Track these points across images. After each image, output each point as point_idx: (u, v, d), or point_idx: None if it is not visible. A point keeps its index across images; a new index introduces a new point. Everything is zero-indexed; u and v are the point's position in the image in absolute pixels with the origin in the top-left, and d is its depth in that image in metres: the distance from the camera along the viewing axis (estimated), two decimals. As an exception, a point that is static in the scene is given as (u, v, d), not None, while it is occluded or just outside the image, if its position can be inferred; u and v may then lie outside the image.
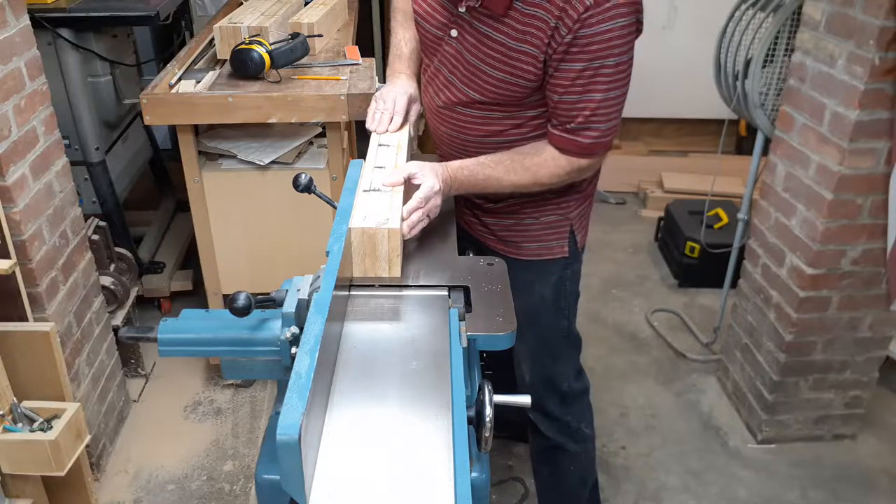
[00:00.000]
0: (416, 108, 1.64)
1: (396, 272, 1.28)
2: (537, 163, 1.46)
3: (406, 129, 1.60)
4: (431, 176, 1.38)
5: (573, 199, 1.64)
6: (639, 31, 1.37)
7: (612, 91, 1.37)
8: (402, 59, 1.69)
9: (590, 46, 1.32)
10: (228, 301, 1.10)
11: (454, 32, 1.46)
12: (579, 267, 1.74)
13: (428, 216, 1.37)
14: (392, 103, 1.59)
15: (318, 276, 1.19)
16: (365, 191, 1.36)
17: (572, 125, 1.41)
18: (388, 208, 1.30)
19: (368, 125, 1.59)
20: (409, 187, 1.40)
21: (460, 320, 1.20)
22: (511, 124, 1.52)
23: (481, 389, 1.03)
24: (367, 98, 2.13)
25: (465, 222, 1.74)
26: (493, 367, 1.49)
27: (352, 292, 1.26)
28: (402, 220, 1.29)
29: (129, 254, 2.64)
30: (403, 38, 1.69)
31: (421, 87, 1.68)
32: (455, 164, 1.46)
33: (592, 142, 1.42)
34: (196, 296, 2.91)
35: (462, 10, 1.42)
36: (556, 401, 1.79)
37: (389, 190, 1.36)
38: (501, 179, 1.46)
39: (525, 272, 1.66)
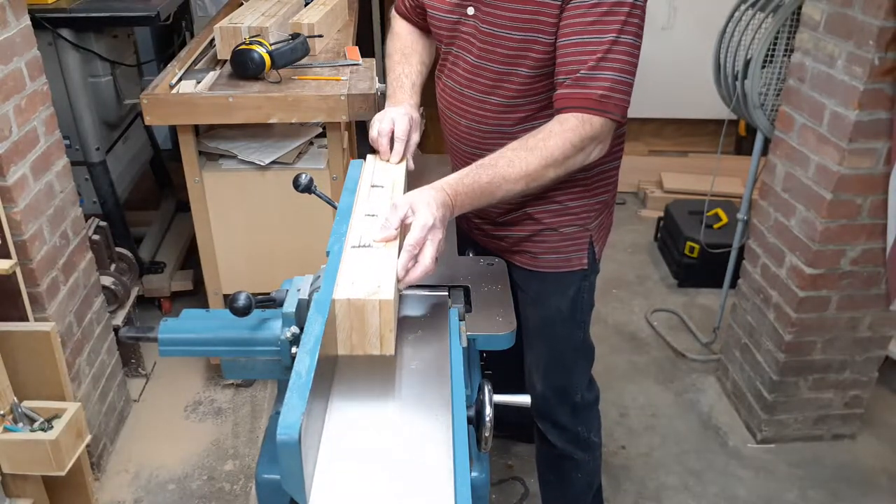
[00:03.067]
0: (415, 138, 1.50)
1: (389, 349, 1.07)
2: (542, 137, 1.29)
3: (404, 164, 1.46)
4: (423, 209, 1.15)
5: (593, 209, 1.57)
6: None
7: (626, 35, 1.27)
8: (403, 90, 1.57)
9: None
10: (229, 301, 1.10)
11: (471, 10, 1.39)
12: (595, 277, 1.68)
13: (436, 256, 1.15)
14: (390, 123, 1.45)
15: (319, 276, 1.19)
16: (353, 247, 1.17)
17: (582, 71, 1.28)
18: (379, 271, 1.10)
19: (372, 138, 1.47)
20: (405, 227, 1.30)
21: (460, 320, 1.21)
22: (536, 107, 1.43)
23: (481, 389, 1.03)
24: (367, 98, 2.13)
25: (476, 235, 1.68)
26: (493, 367, 1.49)
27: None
28: (398, 280, 1.11)
29: (129, 254, 2.65)
30: (404, 73, 1.59)
31: (437, 84, 1.61)
32: (452, 179, 1.26)
33: (604, 92, 1.28)
34: (196, 296, 2.91)
35: None
36: (567, 411, 1.76)
37: (382, 245, 1.17)
38: (508, 174, 1.27)
39: (541, 283, 1.61)
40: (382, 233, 1.17)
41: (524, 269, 1.61)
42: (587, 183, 1.53)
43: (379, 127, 1.45)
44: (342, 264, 1.12)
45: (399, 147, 1.45)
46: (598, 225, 1.62)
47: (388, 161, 1.45)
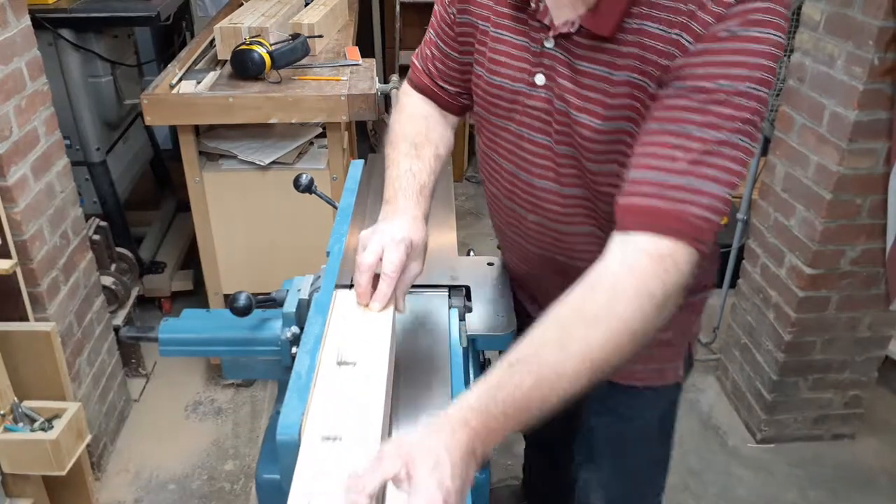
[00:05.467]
0: (413, 272, 1.06)
1: None
2: (606, 298, 0.86)
3: (390, 314, 1.00)
4: (426, 477, 0.72)
5: (696, 307, 1.28)
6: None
7: (741, 136, 0.88)
8: (407, 195, 1.11)
9: (725, 56, 0.88)
10: (229, 301, 1.10)
11: (540, 78, 1.04)
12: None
13: None
14: (376, 252, 1.00)
15: (319, 277, 1.19)
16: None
17: (672, 177, 0.88)
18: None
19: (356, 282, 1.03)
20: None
21: (460, 320, 1.21)
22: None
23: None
24: (367, 98, 2.13)
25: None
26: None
27: (353, 292, 1.26)
28: None
29: (129, 254, 2.65)
30: (411, 169, 1.15)
31: (482, 160, 1.23)
32: (476, 400, 0.80)
33: (701, 212, 0.88)
34: (197, 296, 2.91)
35: (549, 44, 1.01)
36: None
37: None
38: (561, 368, 0.82)
39: (626, 399, 1.30)
40: (356, 490, 0.71)
41: (605, 382, 1.10)
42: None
43: (360, 256, 1.01)
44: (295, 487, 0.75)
45: (385, 288, 1.00)
46: (698, 322, 1.33)
47: (366, 307, 1.01)
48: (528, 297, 1.37)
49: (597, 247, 1.08)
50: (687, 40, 0.89)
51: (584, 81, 0.99)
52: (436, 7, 1.22)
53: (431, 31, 1.24)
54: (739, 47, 0.87)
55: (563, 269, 1.18)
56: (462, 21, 1.15)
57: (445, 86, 1.24)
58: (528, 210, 1.16)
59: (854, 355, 2.29)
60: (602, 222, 1.11)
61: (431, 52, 1.24)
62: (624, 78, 0.95)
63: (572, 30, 0.97)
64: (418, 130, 1.21)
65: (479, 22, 1.11)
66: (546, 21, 1.01)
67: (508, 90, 1.09)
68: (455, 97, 1.25)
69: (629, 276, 0.86)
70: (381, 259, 1.00)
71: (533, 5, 1.02)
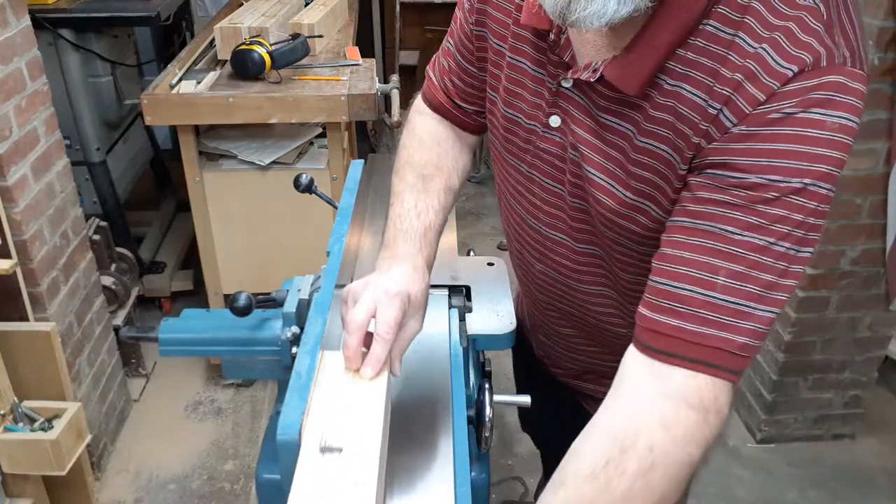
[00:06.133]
0: (411, 330, 0.90)
1: None
2: (636, 469, 0.70)
3: (384, 382, 0.83)
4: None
5: None
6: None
7: (795, 237, 0.72)
8: (409, 238, 0.96)
9: (776, 145, 0.70)
10: (229, 301, 1.10)
11: (555, 120, 0.90)
12: None
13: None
14: (369, 309, 0.84)
15: (319, 277, 1.19)
16: None
17: (713, 296, 0.72)
18: None
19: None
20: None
21: (460, 320, 1.21)
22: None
23: (481, 389, 1.03)
24: (367, 98, 2.13)
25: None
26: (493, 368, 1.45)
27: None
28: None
29: (129, 254, 2.65)
30: (416, 207, 1.00)
31: (501, 195, 1.10)
32: None
33: (746, 340, 0.73)
34: (197, 296, 2.91)
35: (567, 84, 0.87)
36: None
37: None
38: None
39: None
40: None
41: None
42: None
43: (350, 314, 0.84)
44: None
45: (379, 352, 0.83)
46: None
47: (355, 373, 0.83)
48: (535, 330, 1.30)
49: (613, 308, 1.00)
50: (728, 118, 0.72)
51: (606, 136, 0.84)
52: (457, 12, 1.06)
53: (450, 39, 1.08)
54: (795, 133, 0.69)
55: (572, 317, 1.09)
56: (479, 34, 1.00)
57: (463, 104, 1.09)
58: (535, 259, 1.05)
59: (854, 355, 2.29)
60: (619, 285, 0.98)
61: (449, 64, 1.09)
62: (649, 146, 0.80)
63: (593, 79, 0.82)
64: (428, 159, 1.06)
65: (494, 41, 0.97)
66: (566, 58, 0.86)
67: (524, 127, 0.95)
68: (473, 116, 1.10)
69: (668, 440, 0.70)
70: (373, 317, 0.84)
71: (553, 37, 0.86)
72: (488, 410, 1.01)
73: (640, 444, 0.70)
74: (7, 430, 1.64)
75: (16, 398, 1.66)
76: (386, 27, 4.19)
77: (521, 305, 1.31)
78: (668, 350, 0.73)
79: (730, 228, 0.72)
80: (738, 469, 2.33)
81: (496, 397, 1.03)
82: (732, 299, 0.72)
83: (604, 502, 0.70)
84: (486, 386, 1.03)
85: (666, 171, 0.80)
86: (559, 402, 1.29)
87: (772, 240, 0.71)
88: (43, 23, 2.27)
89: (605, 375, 1.06)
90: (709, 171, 0.74)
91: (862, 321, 2.22)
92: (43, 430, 1.66)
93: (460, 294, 1.28)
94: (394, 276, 0.89)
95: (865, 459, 2.37)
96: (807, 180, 0.70)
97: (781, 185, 0.70)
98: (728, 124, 0.72)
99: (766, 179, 0.70)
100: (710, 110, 0.73)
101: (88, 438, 1.79)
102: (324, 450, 0.74)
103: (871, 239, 2.07)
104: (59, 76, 2.39)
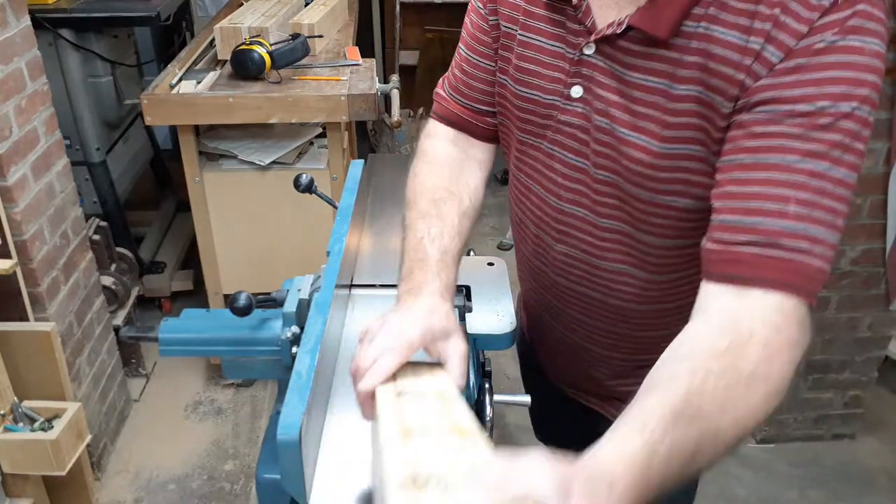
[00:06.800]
0: (458, 347, 0.83)
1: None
2: (764, 354, 0.73)
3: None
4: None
5: None
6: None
7: (842, 168, 0.75)
8: (426, 267, 0.91)
9: (823, 73, 0.74)
10: (229, 301, 1.10)
11: (577, 91, 0.91)
12: None
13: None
14: (372, 362, 0.77)
15: (319, 276, 1.19)
16: None
17: (787, 224, 0.74)
18: None
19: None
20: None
21: (460, 320, 1.21)
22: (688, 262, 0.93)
23: (481, 389, 1.03)
24: (367, 98, 2.13)
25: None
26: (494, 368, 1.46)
27: (353, 291, 1.27)
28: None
29: (130, 254, 2.65)
30: (428, 234, 0.95)
31: (512, 179, 1.10)
32: (620, 456, 0.62)
33: (821, 265, 0.77)
34: (197, 296, 2.91)
35: (589, 51, 0.88)
36: None
37: None
38: (721, 426, 0.71)
39: None
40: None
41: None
42: None
43: (357, 361, 0.79)
44: None
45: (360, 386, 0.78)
46: None
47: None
48: (541, 342, 1.29)
49: (634, 288, 0.99)
50: (773, 53, 0.75)
51: (635, 95, 0.85)
52: (467, 19, 1.06)
53: (462, 46, 1.08)
54: (838, 60, 0.74)
55: (591, 302, 1.07)
56: (494, 23, 1.01)
57: (480, 106, 1.07)
58: (555, 240, 1.03)
59: (854, 355, 2.29)
60: (642, 261, 0.97)
61: (462, 71, 1.08)
62: (687, 92, 0.81)
63: (618, 30, 0.82)
64: (440, 183, 1.03)
65: (504, 24, 0.98)
66: (588, 23, 0.87)
67: (542, 103, 0.95)
68: (486, 119, 1.08)
69: (777, 336, 0.73)
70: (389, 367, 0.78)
71: (575, 1, 0.87)
72: (488, 410, 1.01)
73: (757, 339, 0.72)
74: (7, 430, 1.65)
75: (16, 398, 1.66)
76: (386, 27, 4.19)
77: (523, 318, 1.30)
78: (755, 276, 0.75)
79: (791, 158, 0.75)
80: (738, 469, 2.33)
81: (496, 397, 1.03)
82: (808, 227, 0.75)
83: (730, 378, 0.71)
84: (486, 386, 1.03)
85: (710, 113, 0.81)
86: (569, 412, 1.28)
87: (829, 165, 0.75)
88: (43, 23, 2.27)
89: (608, 391, 1.16)
90: (760, 107, 0.76)
91: (862, 321, 2.22)
92: (43, 430, 1.66)
93: (460, 294, 1.28)
94: (410, 318, 0.82)
95: (865, 459, 2.38)
96: (854, 104, 0.75)
97: (832, 110, 0.74)
98: (774, 59, 0.75)
99: (818, 107, 0.74)
100: (751, 46, 0.76)
101: (88, 438, 1.79)
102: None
103: (871, 239, 2.07)
104: (59, 76, 2.39)
